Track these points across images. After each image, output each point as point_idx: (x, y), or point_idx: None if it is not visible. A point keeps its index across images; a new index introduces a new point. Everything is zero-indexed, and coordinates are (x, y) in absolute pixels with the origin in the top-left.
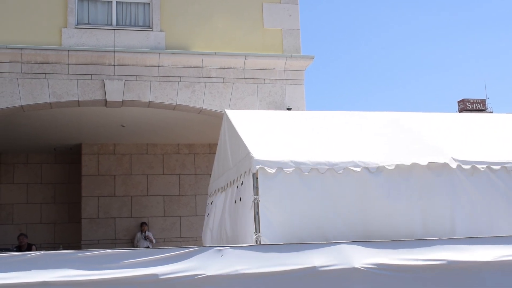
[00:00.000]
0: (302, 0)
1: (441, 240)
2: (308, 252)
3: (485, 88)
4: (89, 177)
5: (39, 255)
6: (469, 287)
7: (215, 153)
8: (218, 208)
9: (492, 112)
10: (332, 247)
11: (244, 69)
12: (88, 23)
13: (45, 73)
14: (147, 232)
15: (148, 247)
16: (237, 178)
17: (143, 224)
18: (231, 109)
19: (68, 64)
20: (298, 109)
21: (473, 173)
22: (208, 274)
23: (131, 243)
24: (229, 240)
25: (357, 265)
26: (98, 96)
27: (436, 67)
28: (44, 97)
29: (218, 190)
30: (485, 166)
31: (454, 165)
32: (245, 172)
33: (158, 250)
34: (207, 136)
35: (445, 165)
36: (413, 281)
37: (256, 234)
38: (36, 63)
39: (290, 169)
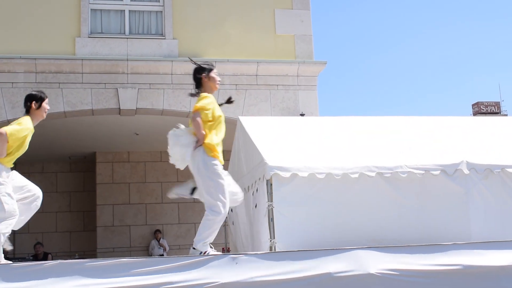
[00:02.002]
0: (314, 6)
1: (456, 244)
2: (323, 258)
3: (499, 90)
4: (104, 185)
5: (55, 264)
6: None
7: (228, 160)
8: (240, 215)
9: (506, 115)
10: (347, 253)
11: (257, 75)
12: (101, 32)
13: (59, 83)
14: (161, 239)
15: (162, 255)
16: (252, 184)
17: (156, 231)
18: (244, 115)
19: (82, 73)
20: (312, 114)
21: (487, 177)
22: (222, 281)
23: (147, 251)
24: (245, 247)
25: (372, 271)
26: (112, 104)
27: (450, 71)
28: (59, 106)
29: None
30: (499, 169)
31: (468, 168)
32: (259, 179)
33: (172, 259)
34: None
35: (459, 169)
36: (429, 286)
37: (271, 241)
38: (50, 73)
39: (304, 175)
